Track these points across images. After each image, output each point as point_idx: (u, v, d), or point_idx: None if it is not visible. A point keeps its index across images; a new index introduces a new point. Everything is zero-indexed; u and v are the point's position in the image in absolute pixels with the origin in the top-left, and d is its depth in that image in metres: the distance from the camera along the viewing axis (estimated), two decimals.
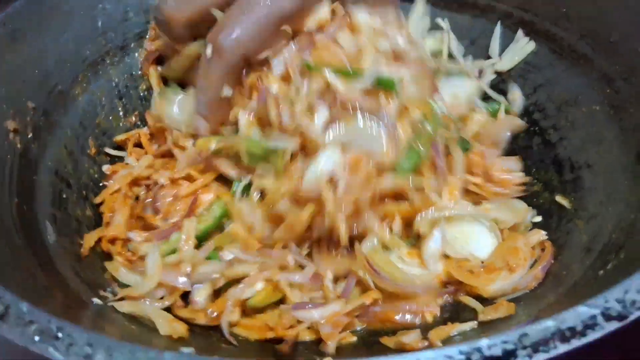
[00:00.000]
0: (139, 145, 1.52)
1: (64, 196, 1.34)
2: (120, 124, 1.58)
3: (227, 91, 1.26)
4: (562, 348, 0.71)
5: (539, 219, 1.33)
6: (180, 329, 1.06)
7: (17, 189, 1.22)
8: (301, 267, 1.17)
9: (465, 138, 1.36)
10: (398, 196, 1.22)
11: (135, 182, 1.40)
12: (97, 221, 1.36)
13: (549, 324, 0.73)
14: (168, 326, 1.05)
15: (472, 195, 1.33)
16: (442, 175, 1.24)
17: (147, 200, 1.32)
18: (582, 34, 1.43)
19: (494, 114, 1.50)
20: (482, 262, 1.22)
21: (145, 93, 1.62)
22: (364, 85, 1.18)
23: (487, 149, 1.38)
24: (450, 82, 1.52)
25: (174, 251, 1.17)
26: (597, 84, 1.38)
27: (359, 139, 1.15)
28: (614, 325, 0.74)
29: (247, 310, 1.14)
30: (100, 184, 1.45)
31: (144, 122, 1.57)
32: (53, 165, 1.36)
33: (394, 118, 1.19)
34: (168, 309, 1.15)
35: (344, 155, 1.14)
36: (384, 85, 1.19)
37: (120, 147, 1.54)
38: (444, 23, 1.66)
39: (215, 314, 1.12)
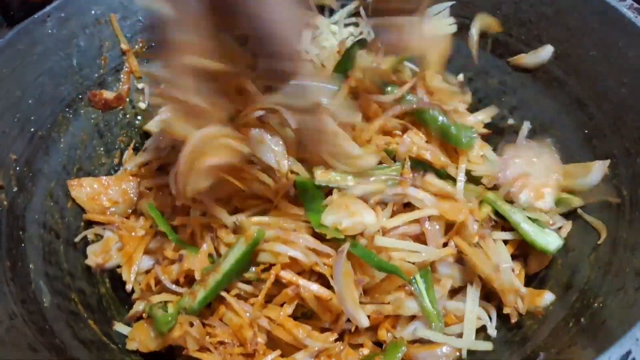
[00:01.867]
0: None
1: (54, 249, 1.34)
2: (102, 162, 1.58)
3: None
4: None
5: None
6: None
7: (8, 249, 1.23)
8: None
9: None
10: None
11: None
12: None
13: None
14: None
15: None
16: None
17: None
18: (555, 56, 1.45)
19: None
20: None
21: (126, 129, 1.62)
22: None
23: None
24: None
25: None
26: (570, 108, 1.42)
27: None
28: None
29: None
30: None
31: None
32: (40, 217, 1.36)
33: None
34: None
35: None
36: None
37: None
38: None
39: None
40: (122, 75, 1.64)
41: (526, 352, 1.13)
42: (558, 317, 1.17)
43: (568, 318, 1.15)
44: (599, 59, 1.37)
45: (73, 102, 1.54)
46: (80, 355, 1.13)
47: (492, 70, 1.60)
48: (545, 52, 1.48)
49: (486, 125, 1.56)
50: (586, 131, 1.38)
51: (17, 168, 1.36)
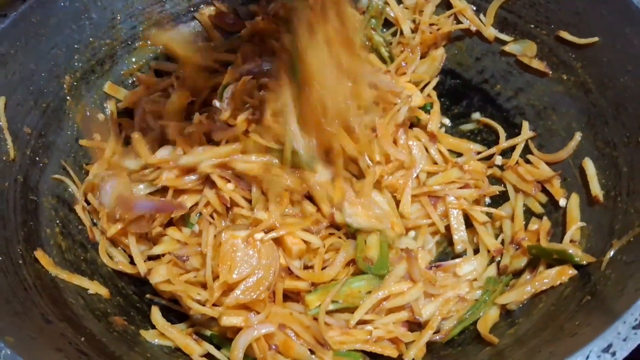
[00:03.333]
0: None
1: (67, 220, 1.39)
2: None
3: None
4: None
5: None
6: None
7: (22, 221, 1.29)
8: None
9: None
10: None
11: None
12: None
13: None
14: None
15: None
16: None
17: None
18: (562, 40, 1.46)
19: None
20: None
21: None
22: None
23: None
24: None
25: None
26: (575, 93, 1.43)
27: None
28: None
29: None
30: None
31: None
32: (54, 189, 1.41)
33: None
34: None
35: None
36: None
37: None
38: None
39: None
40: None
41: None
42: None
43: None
44: (605, 45, 1.37)
45: (85, 74, 1.56)
46: (90, 326, 1.18)
47: (500, 50, 1.60)
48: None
49: (491, 105, 1.59)
50: (589, 117, 1.38)
51: (32, 141, 1.40)
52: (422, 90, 1.64)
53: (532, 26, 1.53)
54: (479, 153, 1.55)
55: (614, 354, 0.85)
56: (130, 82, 1.66)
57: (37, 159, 1.40)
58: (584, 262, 1.16)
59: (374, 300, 1.22)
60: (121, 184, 1.35)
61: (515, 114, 1.56)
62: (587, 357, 0.85)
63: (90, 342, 1.11)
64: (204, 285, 1.23)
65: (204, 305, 1.21)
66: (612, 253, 1.13)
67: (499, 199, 1.47)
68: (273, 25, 1.70)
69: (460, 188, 1.45)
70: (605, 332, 0.88)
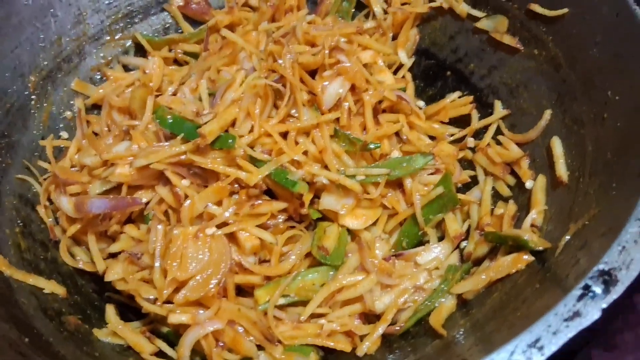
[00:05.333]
0: None
1: (29, 220, 1.39)
2: None
3: None
4: None
5: None
6: None
7: None
8: None
9: None
10: None
11: None
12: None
13: None
14: None
15: None
16: None
17: None
18: (534, 15, 1.38)
19: None
20: None
21: None
22: None
23: None
24: None
25: None
26: (545, 69, 1.36)
27: None
28: None
29: None
30: None
31: None
32: (16, 189, 1.40)
33: None
34: None
35: None
36: None
37: None
38: None
39: None
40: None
41: None
42: None
43: None
44: (575, 16, 1.30)
45: (51, 72, 1.56)
46: (40, 326, 1.17)
47: (473, 27, 1.53)
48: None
49: (465, 85, 1.53)
50: (559, 93, 1.32)
51: None
52: (395, 72, 1.59)
53: (504, 0, 1.46)
54: (452, 135, 1.49)
55: (541, 348, 0.80)
56: (98, 78, 1.65)
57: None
58: (540, 247, 1.10)
59: (326, 293, 1.19)
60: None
61: (489, 93, 1.49)
62: (512, 353, 0.80)
63: (35, 343, 1.10)
64: None
65: (155, 303, 1.19)
66: (567, 238, 1.06)
67: (469, 183, 1.41)
68: (242, 15, 1.68)
69: (431, 174, 1.39)
70: (534, 324, 0.82)
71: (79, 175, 1.37)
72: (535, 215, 1.20)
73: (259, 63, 1.46)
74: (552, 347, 0.80)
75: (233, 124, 1.31)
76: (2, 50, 1.46)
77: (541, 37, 1.38)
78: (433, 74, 1.62)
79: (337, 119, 1.36)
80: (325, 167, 1.31)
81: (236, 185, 1.29)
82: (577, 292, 0.84)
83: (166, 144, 1.31)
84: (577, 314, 0.82)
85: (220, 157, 1.28)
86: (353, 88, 1.40)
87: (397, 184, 1.38)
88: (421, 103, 1.59)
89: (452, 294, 1.18)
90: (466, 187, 1.41)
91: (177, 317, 1.14)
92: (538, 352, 0.79)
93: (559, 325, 0.81)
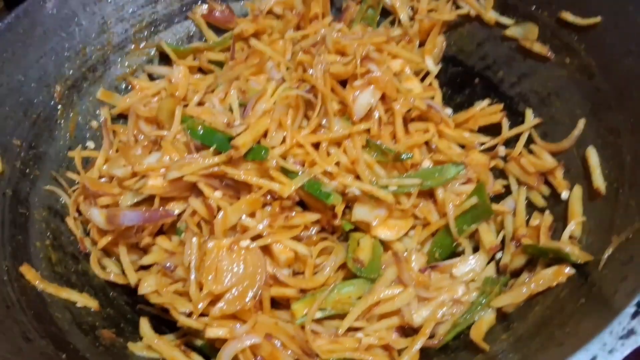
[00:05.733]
0: None
1: (59, 232, 1.38)
2: None
3: None
4: None
5: None
6: None
7: (10, 236, 1.28)
8: None
9: None
10: None
11: None
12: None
13: None
14: None
15: None
16: None
17: None
18: (564, 23, 1.38)
19: None
20: None
21: None
22: None
23: None
24: None
25: None
26: (578, 78, 1.35)
27: None
28: None
29: None
30: None
31: None
32: (45, 201, 1.40)
33: None
34: None
35: None
36: None
37: None
38: None
39: None
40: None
41: None
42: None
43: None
44: (608, 25, 1.29)
45: (77, 81, 1.55)
46: (75, 341, 1.16)
47: (502, 34, 1.52)
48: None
49: (495, 93, 1.52)
50: (593, 103, 1.30)
51: (22, 153, 1.39)
52: (422, 79, 1.58)
53: (533, 8, 1.46)
54: (481, 144, 1.48)
55: None
56: (124, 86, 1.64)
57: (27, 171, 1.40)
58: (581, 260, 1.09)
59: (363, 306, 1.18)
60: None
61: (519, 101, 1.48)
62: None
63: (72, 359, 1.10)
64: None
65: (190, 316, 1.18)
66: (610, 251, 1.05)
67: (502, 192, 1.40)
68: (266, 23, 1.67)
69: (463, 184, 1.38)
70: (589, 342, 0.81)
71: (109, 187, 1.36)
72: (573, 226, 1.19)
73: (288, 73, 1.45)
74: None
75: (265, 135, 1.30)
76: (27, 61, 1.45)
77: (573, 46, 1.37)
78: (461, 81, 1.61)
79: (367, 129, 1.35)
80: (357, 177, 1.30)
81: (269, 197, 1.28)
82: (630, 309, 0.83)
83: (197, 155, 1.30)
84: (632, 332, 0.82)
85: (252, 168, 1.27)
86: (383, 97, 1.39)
87: (428, 194, 1.37)
88: (449, 111, 1.57)
89: (492, 307, 1.17)
90: (498, 197, 1.40)
91: (214, 332, 1.14)
92: None
93: (614, 344, 0.81)
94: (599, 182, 1.20)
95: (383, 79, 1.36)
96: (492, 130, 1.50)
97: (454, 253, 1.33)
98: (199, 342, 1.24)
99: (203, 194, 1.28)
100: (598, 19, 1.30)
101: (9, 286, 1.18)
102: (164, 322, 1.30)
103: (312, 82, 1.32)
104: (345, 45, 1.39)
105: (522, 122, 1.45)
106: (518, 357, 1.00)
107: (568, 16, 1.36)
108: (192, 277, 1.18)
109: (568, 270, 1.11)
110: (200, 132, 1.31)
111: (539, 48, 1.43)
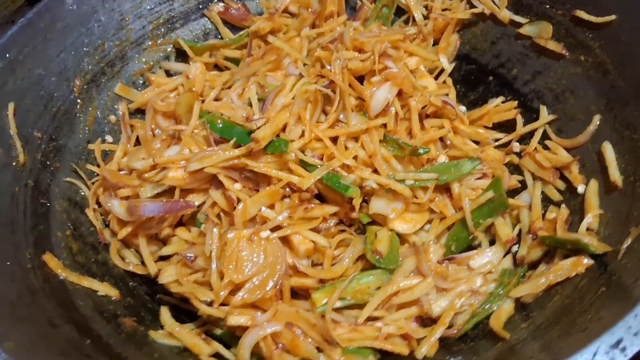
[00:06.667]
0: None
1: (79, 222, 1.40)
2: None
3: None
4: None
5: None
6: None
7: (32, 226, 1.30)
8: None
9: None
10: None
11: None
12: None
13: None
14: None
15: None
16: None
17: None
18: (579, 20, 1.39)
19: None
20: None
21: None
22: None
23: None
24: None
25: None
26: (593, 74, 1.37)
27: None
28: None
29: None
30: None
31: None
32: (65, 192, 1.41)
33: None
34: None
35: None
36: None
37: None
38: None
39: None
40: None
41: None
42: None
43: None
44: (623, 23, 1.31)
45: (96, 76, 1.57)
46: (98, 328, 1.18)
47: (516, 33, 1.54)
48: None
49: (508, 90, 1.54)
50: (607, 99, 1.32)
51: (42, 145, 1.41)
52: (436, 77, 1.60)
53: (547, 6, 1.48)
54: (496, 140, 1.49)
55: (623, 349, 0.81)
56: (141, 82, 1.66)
57: (48, 162, 1.42)
58: (600, 251, 1.11)
59: (383, 296, 1.19)
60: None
61: (533, 98, 1.50)
62: (595, 354, 0.80)
63: (97, 345, 1.12)
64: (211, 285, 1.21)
65: (211, 305, 1.19)
66: (629, 241, 1.07)
67: (517, 187, 1.42)
68: (282, 21, 1.69)
69: (478, 179, 1.40)
70: (615, 326, 0.83)
71: (129, 179, 1.38)
72: (590, 219, 1.20)
73: (305, 69, 1.47)
74: (634, 348, 0.81)
75: (284, 129, 1.32)
76: (48, 55, 1.48)
77: (587, 43, 1.39)
78: (474, 79, 1.63)
79: (384, 124, 1.37)
80: (375, 171, 1.32)
81: (287, 190, 1.30)
82: None
83: (217, 148, 1.32)
84: None
85: (272, 161, 1.29)
86: (399, 93, 1.41)
87: (444, 189, 1.38)
88: (463, 108, 1.60)
89: (510, 297, 1.18)
90: (514, 192, 1.41)
91: (236, 319, 1.15)
92: (621, 354, 0.80)
93: (639, 327, 0.82)
94: (615, 175, 1.22)
95: (400, 76, 1.38)
96: (506, 127, 1.51)
97: (470, 246, 1.34)
98: (218, 331, 1.26)
99: (223, 185, 1.30)
100: (613, 17, 1.32)
101: (32, 274, 1.20)
102: (182, 312, 1.31)
103: (331, 77, 1.33)
104: (363, 42, 1.41)
105: (537, 119, 1.46)
106: (539, 344, 1.01)
107: (582, 14, 1.38)
108: (214, 266, 1.19)
109: (587, 261, 1.12)
110: (220, 126, 1.33)
111: (553, 46, 1.45)
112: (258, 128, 1.27)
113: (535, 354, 0.99)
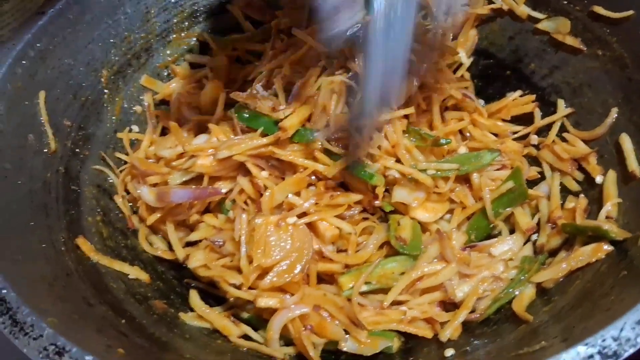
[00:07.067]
0: None
1: (108, 208, 1.44)
2: None
3: None
4: None
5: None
6: None
7: (65, 210, 1.33)
8: None
9: None
10: None
11: None
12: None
13: None
14: None
15: None
16: None
17: None
18: (596, 15, 1.43)
19: None
20: None
21: None
22: None
23: None
24: None
25: None
26: (610, 68, 1.40)
27: None
28: None
29: None
30: None
31: None
32: (94, 179, 1.45)
33: None
34: None
35: None
36: None
37: None
38: None
39: None
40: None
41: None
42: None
43: None
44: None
45: (122, 67, 1.60)
46: (131, 309, 1.21)
47: (534, 28, 1.57)
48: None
49: (526, 84, 1.57)
50: (625, 92, 1.35)
51: (72, 134, 1.44)
52: (455, 71, 1.63)
53: (565, 2, 1.50)
54: (514, 133, 1.53)
55: None
56: (166, 74, 1.69)
57: (77, 150, 1.45)
58: (620, 237, 1.14)
59: (408, 280, 1.22)
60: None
61: (551, 92, 1.53)
62: (622, 330, 0.84)
63: (131, 324, 1.15)
64: (239, 269, 1.24)
65: (239, 289, 1.23)
66: None
67: (536, 178, 1.45)
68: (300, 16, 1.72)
69: (498, 170, 1.43)
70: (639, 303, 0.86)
71: (157, 167, 1.41)
72: (609, 207, 1.24)
73: (329, 61, 1.50)
74: None
75: (309, 119, 1.35)
76: (76, 46, 1.51)
77: (605, 38, 1.42)
78: (492, 74, 1.66)
79: (406, 115, 1.40)
80: (397, 161, 1.35)
81: (312, 178, 1.34)
82: None
83: (244, 136, 1.36)
84: None
85: (298, 150, 1.33)
86: (421, 86, 1.44)
87: (463, 179, 1.42)
88: (481, 102, 1.63)
89: (532, 282, 1.22)
90: (532, 183, 1.45)
91: (265, 301, 1.18)
92: None
93: None
94: (634, 165, 1.25)
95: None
96: (524, 120, 1.55)
97: (489, 235, 1.38)
98: (244, 315, 1.29)
99: (250, 173, 1.34)
100: (631, 12, 1.35)
101: (67, 256, 1.23)
102: (209, 296, 1.34)
103: (356, 69, 1.37)
104: None
105: (554, 112, 1.50)
106: (562, 326, 1.05)
107: (600, 10, 1.41)
108: (243, 250, 1.23)
109: (607, 247, 1.15)
110: (246, 116, 1.37)
111: (571, 41, 1.48)
112: (285, 117, 1.31)
113: (558, 334, 1.02)
